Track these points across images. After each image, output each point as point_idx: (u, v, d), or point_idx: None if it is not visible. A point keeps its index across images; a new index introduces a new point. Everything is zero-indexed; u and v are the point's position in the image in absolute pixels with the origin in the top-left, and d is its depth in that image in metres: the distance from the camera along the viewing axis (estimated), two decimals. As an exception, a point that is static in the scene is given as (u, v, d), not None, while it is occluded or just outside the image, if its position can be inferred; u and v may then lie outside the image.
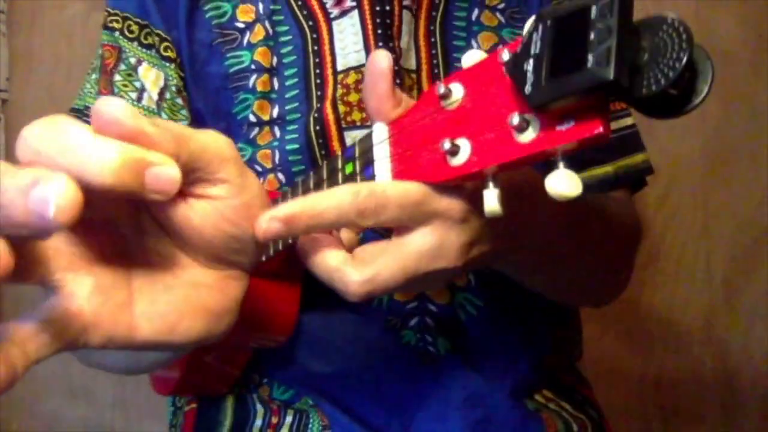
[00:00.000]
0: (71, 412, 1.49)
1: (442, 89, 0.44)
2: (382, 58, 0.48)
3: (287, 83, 0.76)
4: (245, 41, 0.78)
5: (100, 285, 0.38)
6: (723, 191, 1.52)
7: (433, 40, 0.78)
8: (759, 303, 1.56)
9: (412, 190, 0.45)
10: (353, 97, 0.75)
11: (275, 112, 0.76)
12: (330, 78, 0.76)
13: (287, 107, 0.76)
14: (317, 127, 0.73)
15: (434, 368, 0.75)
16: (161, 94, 0.77)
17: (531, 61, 0.38)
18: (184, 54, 0.78)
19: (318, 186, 0.53)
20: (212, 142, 0.41)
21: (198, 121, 0.78)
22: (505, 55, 0.41)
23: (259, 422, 0.77)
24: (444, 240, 0.47)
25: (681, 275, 1.56)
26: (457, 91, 0.44)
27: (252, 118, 0.76)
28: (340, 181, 0.51)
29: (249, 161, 0.75)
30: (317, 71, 0.76)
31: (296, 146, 0.74)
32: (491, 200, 0.41)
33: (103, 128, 0.35)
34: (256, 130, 0.76)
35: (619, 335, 1.57)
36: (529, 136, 0.39)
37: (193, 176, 0.40)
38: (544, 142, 0.38)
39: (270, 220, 0.44)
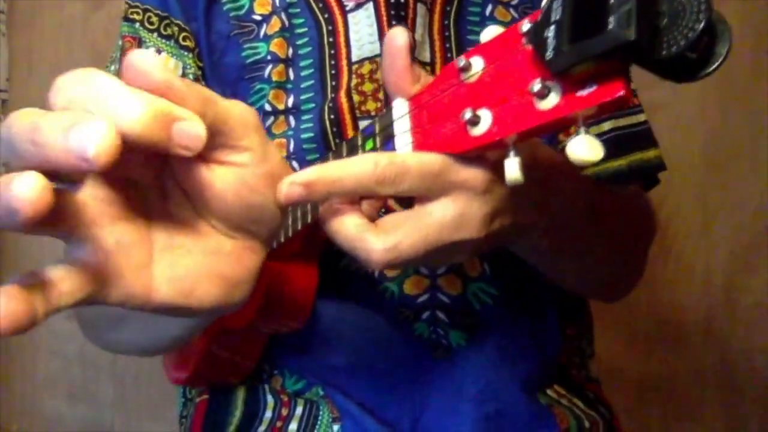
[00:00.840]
0: (71, 412, 1.49)
1: (462, 62, 0.45)
2: (399, 35, 0.49)
3: (302, 74, 0.77)
4: (262, 33, 0.79)
5: (123, 242, 0.39)
6: (723, 191, 1.53)
7: (447, 34, 0.79)
8: (759, 303, 1.56)
9: (432, 160, 0.46)
10: (367, 87, 0.76)
11: (290, 101, 0.77)
12: (345, 69, 0.77)
13: (302, 97, 0.77)
14: (332, 116, 0.74)
15: (446, 361, 0.75)
16: None
17: (552, 27, 0.38)
18: (203, 44, 0.80)
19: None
20: (237, 108, 0.41)
21: None
22: (526, 26, 0.41)
23: (269, 414, 0.77)
24: (466, 210, 0.47)
25: (681, 275, 1.56)
26: (477, 63, 0.44)
27: (267, 107, 0.77)
28: None
29: None
30: (332, 62, 0.77)
31: (311, 135, 0.75)
32: (513, 168, 0.42)
33: (134, 80, 0.36)
34: (272, 119, 0.77)
35: (619, 335, 1.57)
36: (550, 102, 0.39)
37: (217, 141, 0.41)
38: (565, 107, 0.38)
39: (291, 185, 0.44)
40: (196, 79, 0.79)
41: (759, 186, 1.51)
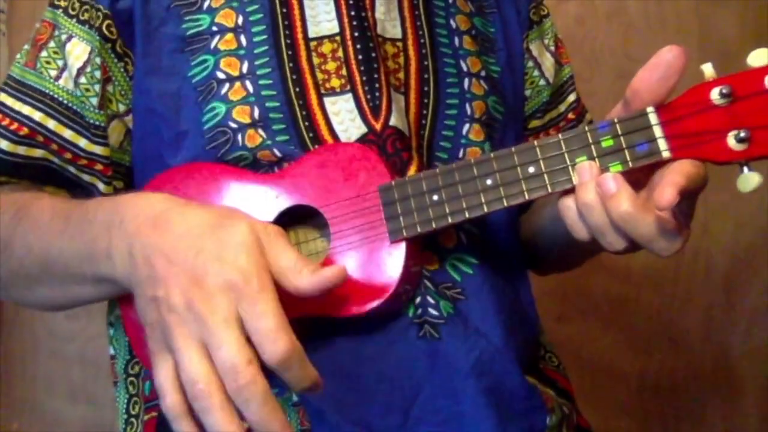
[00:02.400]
0: (71, 412, 1.49)
1: (718, 90, 0.56)
2: (676, 54, 0.58)
3: (255, 39, 0.77)
4: (205, 5, 0.78)
5: None
6: (723, 191, 1.51)
7: (417, 12, 0.81)
8: (759, 303, 1.56)
9: (703, 169, 0.58)
10: (331, 66, 0.76)
11: (245, 67, 0.76)
12: (301, 42, 0.77)
13: (257, 62, 0.76)
14: (297, 89, 0.75)
15: (434, 339, 0.71)
16: (82, 68, 0.78)
17: None
18: (138, 13, 0.78)
19: (560, 156, 0.63)
20: None
21: (142, 88, 0.78)
22: None
23: None
24: None
25: (681, 275, 1.56)
26: (728, 92, 0.56)
27: (221, 75, 0.76)
28: (594, 153, 0.61)
29: (224, 118, 0.74)
30: (287, 32, 0.77)
31: (276, 104, 0.75)
32: (756, 179, 0.56)
33: None
34: (227, 86, 0.75)
35: (619, 335, 1.57)
36: None
37: None
38: None
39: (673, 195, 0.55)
40: (102, 64, 0.78)
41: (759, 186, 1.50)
